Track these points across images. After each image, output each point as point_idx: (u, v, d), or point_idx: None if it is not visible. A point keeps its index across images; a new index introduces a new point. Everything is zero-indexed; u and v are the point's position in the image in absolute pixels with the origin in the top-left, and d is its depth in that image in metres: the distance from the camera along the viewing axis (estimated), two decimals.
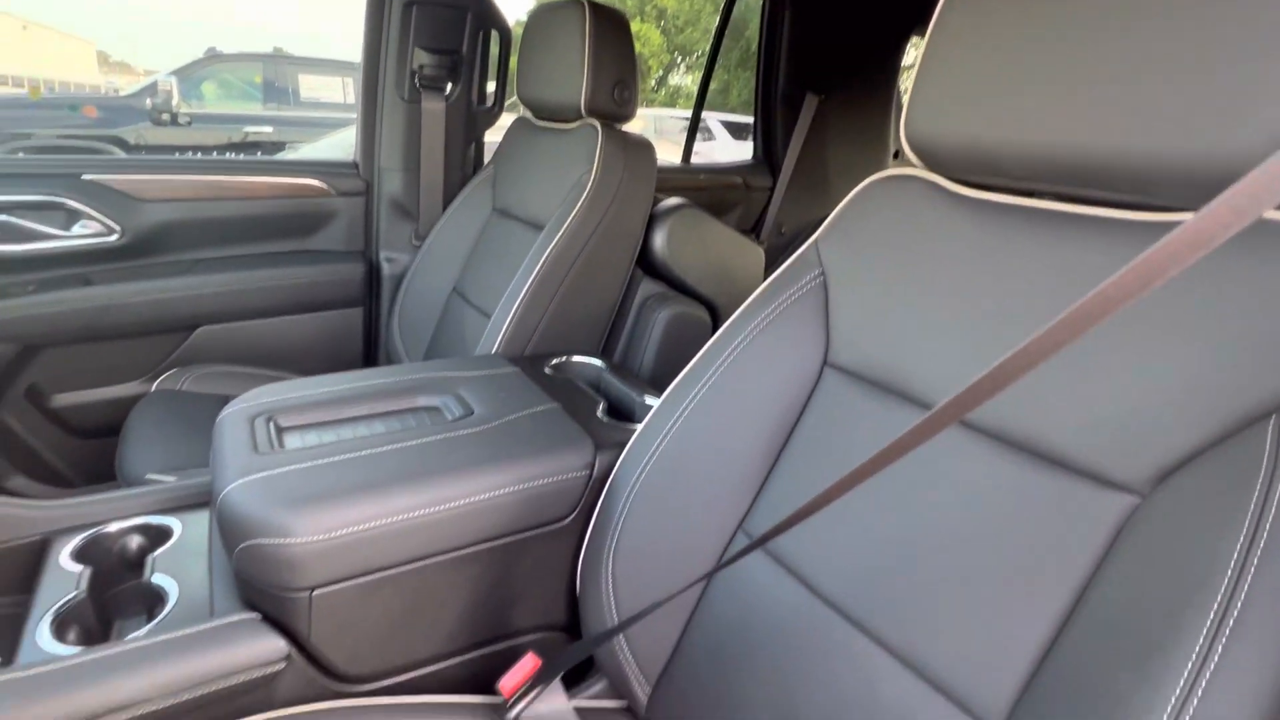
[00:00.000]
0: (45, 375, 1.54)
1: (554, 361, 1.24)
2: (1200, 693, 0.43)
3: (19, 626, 0.79)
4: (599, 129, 1.35)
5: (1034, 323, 0.62)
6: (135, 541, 0.93)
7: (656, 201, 1.50)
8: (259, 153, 6.08)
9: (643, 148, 1.40)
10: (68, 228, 1.50)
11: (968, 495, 0.62)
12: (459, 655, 0.90)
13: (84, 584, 0.84)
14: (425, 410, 1.02)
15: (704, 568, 0.80)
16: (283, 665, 0.77)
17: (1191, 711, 0.42)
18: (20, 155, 2.35)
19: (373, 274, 1.82)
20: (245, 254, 1.70)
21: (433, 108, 1.70)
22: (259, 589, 0.77)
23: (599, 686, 0.89)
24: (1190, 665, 0.43)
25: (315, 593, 0.77)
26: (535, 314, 1.30)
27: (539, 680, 0.76)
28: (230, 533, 0.76)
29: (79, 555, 0.88)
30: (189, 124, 6.12)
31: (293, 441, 0.90)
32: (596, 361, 1.28)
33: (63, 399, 1.56)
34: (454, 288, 1.61)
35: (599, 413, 1.05)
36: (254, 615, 0.78)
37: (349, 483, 0.80)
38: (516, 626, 0.93)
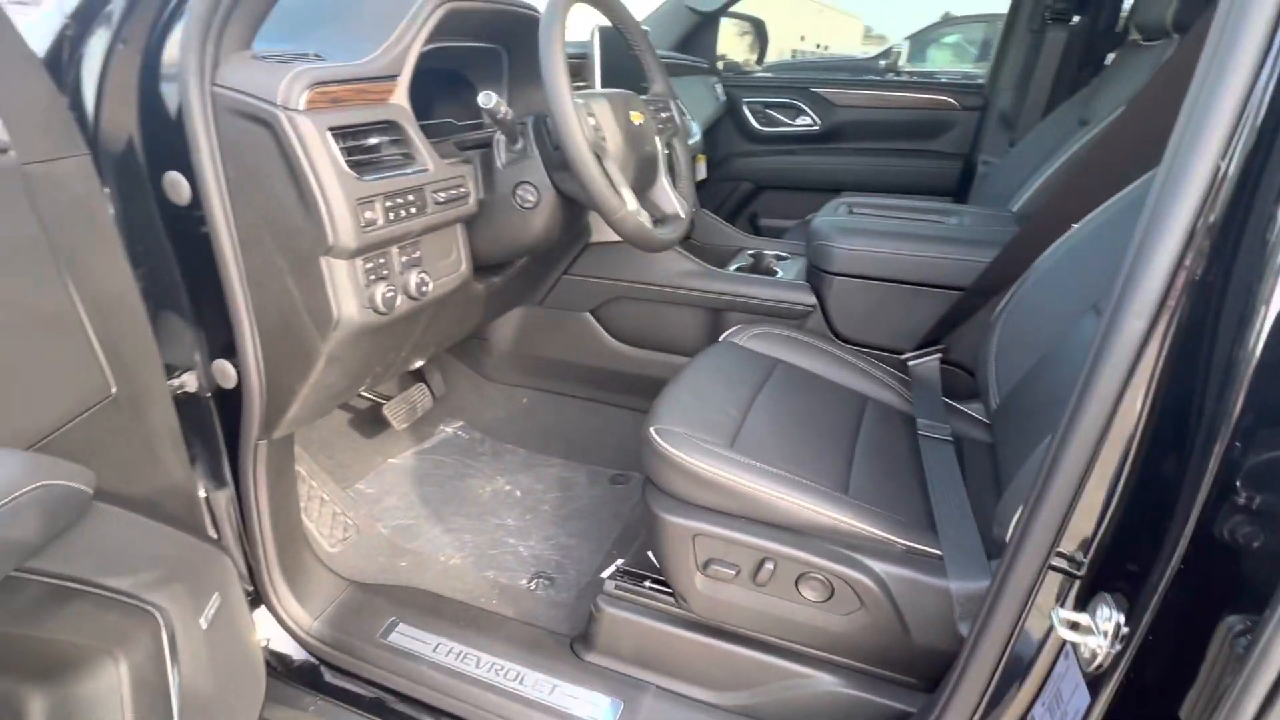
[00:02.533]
0: (761, 207, 2.68)
1: None
2: None
3: None
4: (1175, 43, 1.56)
5: None
6: (771, 262, 1.83)
7: None
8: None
9: None
10: (794, 120, 2.55)
11: None
12: None
13: (748, 264, 1.77)
14: (933, 220, 1.60)
15: None
16: (812, 310, 1.53)
17: None
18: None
19: (966, 172, 2.37)
20: (880, 147, 2.48)
21: (1055, 36, 2.07)
22: (813, 269, 1.54)
23: None
24: None
25: (835, 278, 1.49)
26: (1049, 189, 1.67)
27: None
28: (810, 238, 1.55)
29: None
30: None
31: (857, 213, 1.64)
32: None
33: (765, 222, 2.68)
34: (1022, 181, 2.03)
35: None
36: (806, 284, 1.56)
37: (868, 229, 1.49)
38: None
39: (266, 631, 1.21)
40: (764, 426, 1.14)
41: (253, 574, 1.18)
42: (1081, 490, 0.65)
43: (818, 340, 1.43)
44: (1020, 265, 1.20)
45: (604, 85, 1.60)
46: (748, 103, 2.60)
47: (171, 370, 1.02)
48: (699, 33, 2.51)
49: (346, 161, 0.92)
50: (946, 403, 1.33)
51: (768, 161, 2.59)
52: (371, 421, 1.67)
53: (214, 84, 0.88)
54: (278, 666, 1.20)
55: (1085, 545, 0.67)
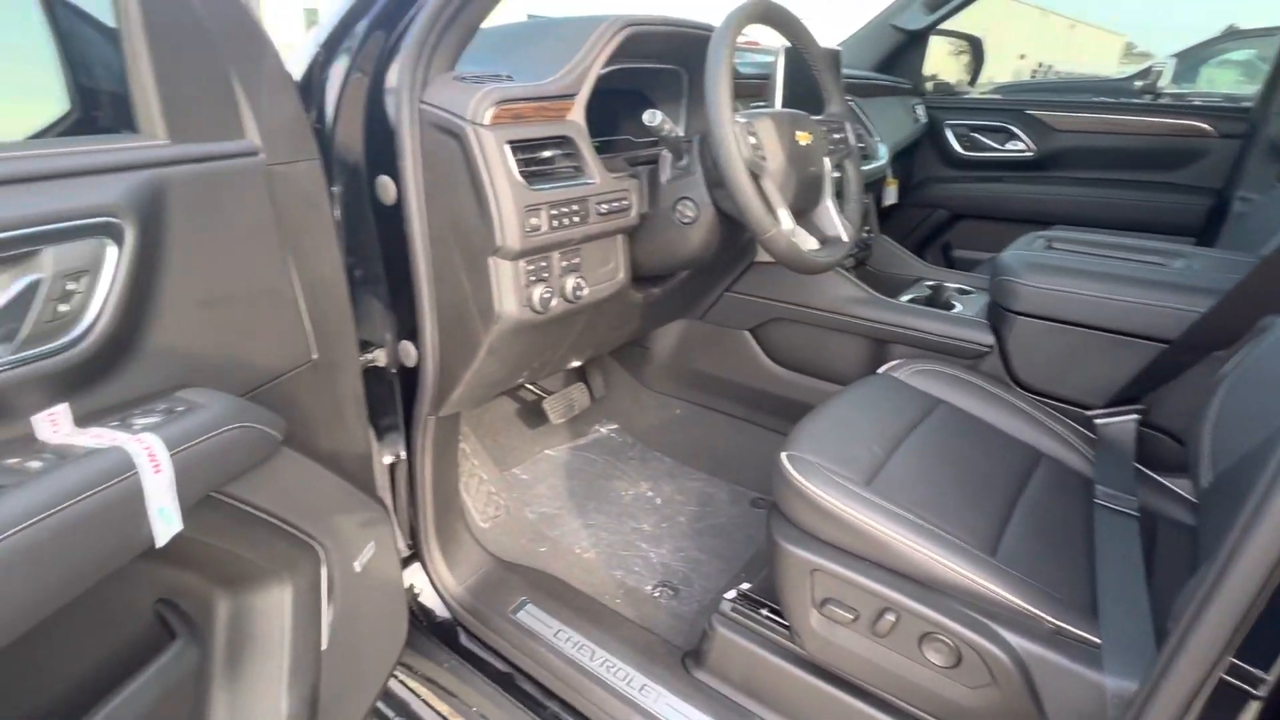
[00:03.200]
0: (956, 237, 2.49)
1: None
2: None
3: None
4: None
5: None
6: (951, 295, 1.70)
7: None
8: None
9: None
10: (1003, 145, 2.34)
11: None
12: None
13: (924, 295, 1.66)
14: (1152, 262, 1.39)
15: None
16: (989, 351, 1.40)
17: None
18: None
19: (1218, 210, 2.01)
20: (1107, 177, 2.19)
21: None
22: (995, 307, 1.41)
23: None
24: None
25: (1018, 318, 1.35)
26: None
27: None
28: (994, 273, 1.42)
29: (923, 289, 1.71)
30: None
31: (1058, 248, 1.48)
32: None
33: (960, 253, 2.49)
34: None
35: None
36: (985, 322, 1.43)
37: (1064, 266, 1.33)
38: None
39: (418, 586, 1.35)
40: (909, 468, 1.06)
41: (414, 534, 1.32)
42: (1272, 587, 0.54)
43: (991, 384, 1.31)
44: (1249, 318, 1.00)
45: (787, 106, 1.59)
46: (951, 125, 2.42)
47: (367, 346, 1.18)
48: (904, 52, 2.40)
49: (520, 172, 1.01)
50: (1140, 471, 1.15)
51: (969, 188, 2.39)
52: (535, 414, 1.80)
53: (421, 101, 1.01)
54: (422, 620, 1.33)
55: (1267, 659, 0.55)
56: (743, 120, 1.08)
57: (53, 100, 0.79)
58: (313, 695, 0.89)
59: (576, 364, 1.53)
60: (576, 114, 1.12)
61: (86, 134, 0.79)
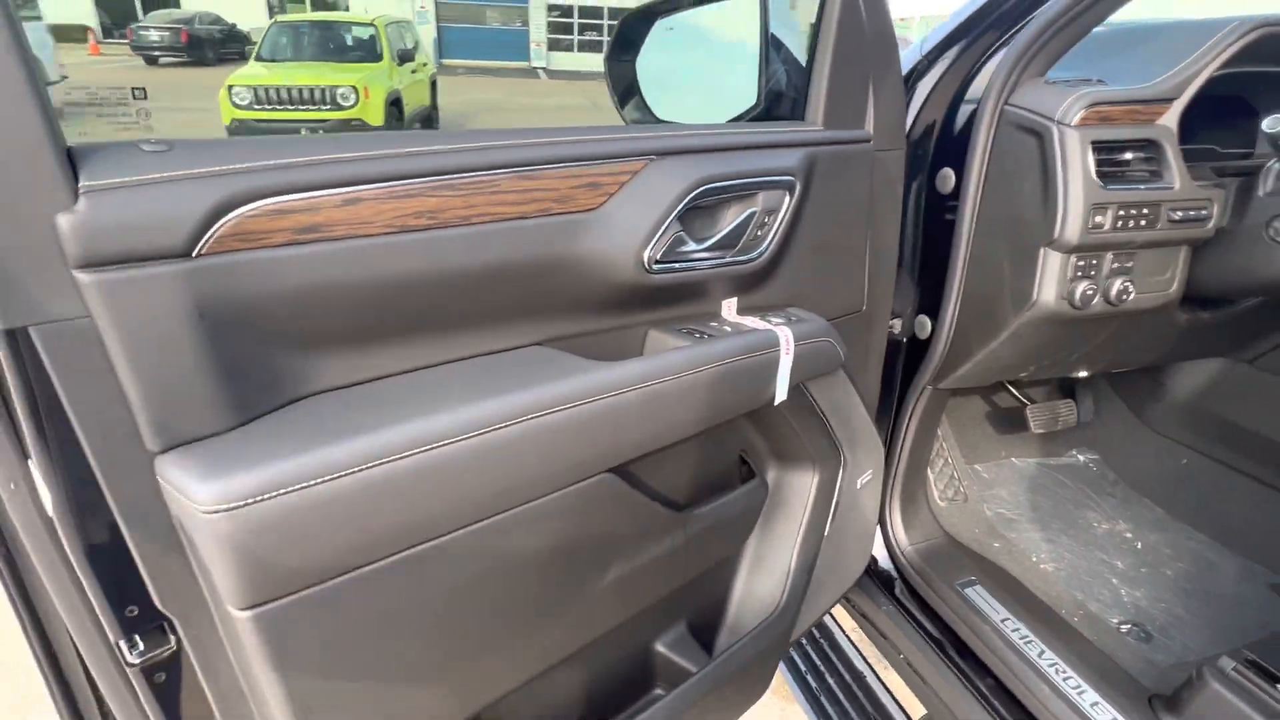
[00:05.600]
0: None
1: None
2: None
3: None
4: None
5: None
6: None
7: None
8: None
9: None
10: None
11: None
12: None
13: None
14: None
15: None
16: None
17: None
18: None
19: None
20: None
21: None
22: None
23: None
24: None
25: None
26: None
27: None
28: None
29: None
30: None
31: None
32: None
33: None
34: None
35: None
36: None
37: None
38: None
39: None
40: None
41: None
42: None
43: None
44: None
45: None
46: None
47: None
48: None
49: (1096, 171, 1.06)
50: None
51: None
52: (1009, 420, 1.79)
53: (1006, 103, 1.13)
54: (869, 564, 1.50)
55: None
56: None
57: (748, 98, 1.14)
58: (810, 566, 1.12)
59: (1083, 374, 1.48)
60: (1169, 118, 1.10)
61: (764, 120, 1.12)
